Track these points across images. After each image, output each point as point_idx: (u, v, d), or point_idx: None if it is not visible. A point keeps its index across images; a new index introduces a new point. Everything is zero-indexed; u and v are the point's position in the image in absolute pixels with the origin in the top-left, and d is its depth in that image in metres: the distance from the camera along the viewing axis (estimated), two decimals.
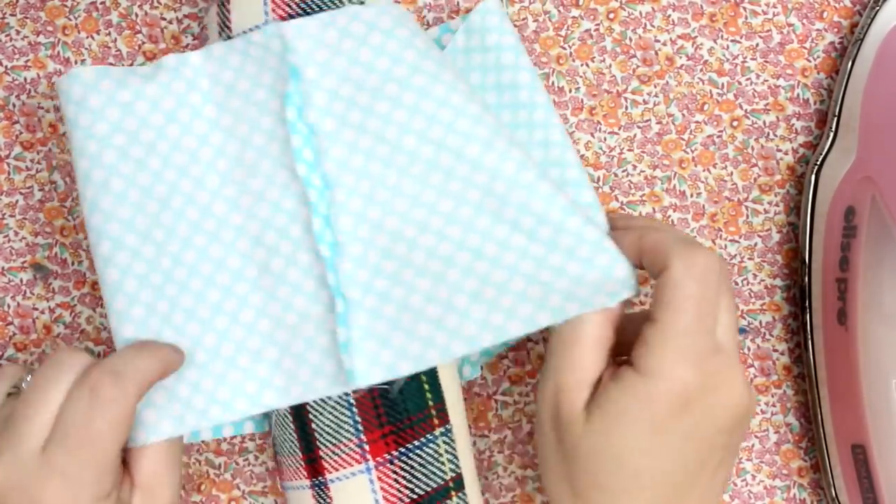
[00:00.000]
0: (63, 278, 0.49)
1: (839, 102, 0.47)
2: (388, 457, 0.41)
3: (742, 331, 0.48)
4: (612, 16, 0.49)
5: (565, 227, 0.40)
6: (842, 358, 0.45)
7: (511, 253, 0.41)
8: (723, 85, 0.49)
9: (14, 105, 0.49)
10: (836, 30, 0.48)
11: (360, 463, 0.41)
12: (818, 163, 0.47)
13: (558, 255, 0.40)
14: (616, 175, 0.48)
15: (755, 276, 0.48)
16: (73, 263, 0.49)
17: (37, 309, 0.49)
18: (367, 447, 0.41)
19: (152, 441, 0.41)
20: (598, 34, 0.49)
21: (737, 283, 0.48)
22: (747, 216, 0.48)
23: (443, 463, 0.42)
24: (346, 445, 0.41)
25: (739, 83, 0.49)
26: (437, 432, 0.42)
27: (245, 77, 0.42)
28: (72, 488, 0.36)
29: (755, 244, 0.48)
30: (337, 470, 0.41)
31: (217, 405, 0.42)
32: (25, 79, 0.49)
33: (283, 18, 0.42)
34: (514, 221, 0.41)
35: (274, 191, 0.42)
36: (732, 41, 0.49)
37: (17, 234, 0.49)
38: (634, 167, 0.49)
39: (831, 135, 0.47)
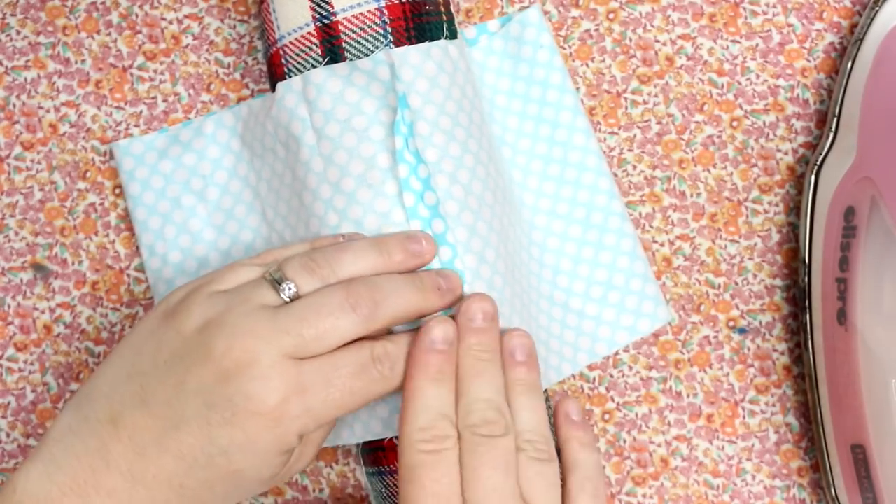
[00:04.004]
0: (63, 278, 0.49)
1: (839, 103, 0.47)
2: None
3: (742, 331, 0.48)
4: (612, 16, 0.49)
5: (619, 265, 0.47)
6: (841, 358, 0.45)
7: (587, 290, 0.47)
8: (723, 85, 0.49)
9: (14, 105, 0.49)
10: (835, 30, 0.48)
11: None
12: (818, 163, 0.47)
13: (616, 293, 0.46)
14: (616, 175, 0.48)
15: (755, 276, 0.48)
16: (73, 263, 0.49)
17: (37, 309, 0.49)
18: None
19: None
20: (598, 34, 0.49)
21: (737, 283, 0.48)
22: (747, 216, 0.48)
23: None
24: None
25: (739, 83, 0.49)
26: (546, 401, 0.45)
27: (344, 104, 0.42)
28: (298, 407, 0.37)
29: (755, 244, 0.48)
30: None
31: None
32: (26, 79, 0.49)
33: (400, 36, 0.42)
34: (594, 259, 0.47)
35: (373, 219, 0.42)
36: (732, 41, 0.49)
37: (17, 234, 0.49)
38: (634, 167, 0.49)
39: (831, 135, 0.47)
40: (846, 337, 0.45)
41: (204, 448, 0.37)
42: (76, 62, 0.49)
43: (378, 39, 0.42)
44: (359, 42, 0.42)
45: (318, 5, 0.42)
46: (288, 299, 0.39)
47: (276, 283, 0.39)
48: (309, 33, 0.43)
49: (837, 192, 0.45)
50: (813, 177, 0.47)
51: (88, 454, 0.37)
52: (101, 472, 0.37)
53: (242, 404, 0.36)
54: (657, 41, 0.49)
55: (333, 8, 0.42)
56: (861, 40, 0.46)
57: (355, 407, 0.38)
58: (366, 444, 0.44)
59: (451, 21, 0.44)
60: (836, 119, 0.47)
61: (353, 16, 0.42)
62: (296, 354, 0.37)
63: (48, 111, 0.49)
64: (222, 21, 0.49)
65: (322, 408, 0.37)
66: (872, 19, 0.46)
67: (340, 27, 0.42)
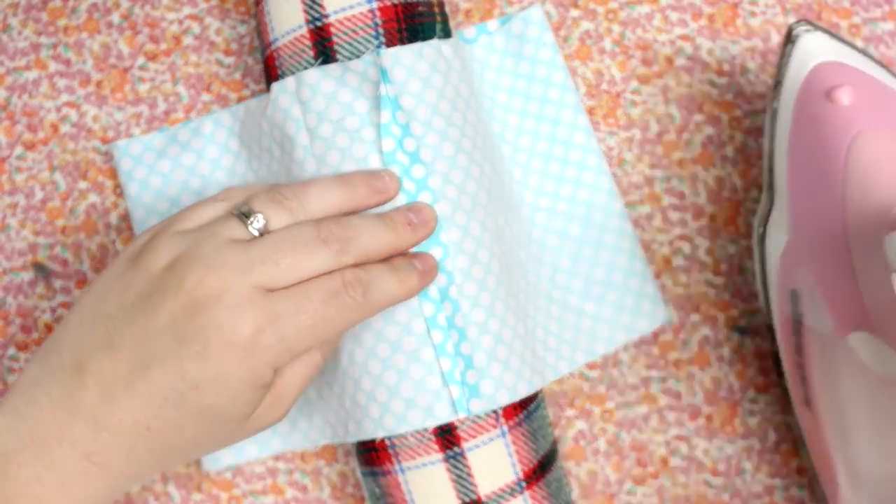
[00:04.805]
0: (64, 278, 0.49)
1: (769, 157, 0.39)
2: (516, 419, 0.43)
3: (742, 331, 0.48)
4: (611, 16, 0.49)
5: (617, 264, 0.47)
6: (814, 438, 0.42)
7: (585, 288, 0.47)
8: (722, 85, 0.49)
9: (16, 105, 0.49)
10: (834, 30, 0.49)
11: (495, 429, 0.42)
12: (761, 231, 0.40)
13: (615, 292, 0.46)
14: (616, 175, 0.49)
15: (755, 275, 0.48)
16: (74, 263, 0.49)
17: (38, 308, 0.49)
18: (499, 412, 0.42)
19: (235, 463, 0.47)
20: (598, 34, 0.49)
21: (736, 283, 0.48)
22: (747, 216, 0.49)
23: (548, 425, 0.46)
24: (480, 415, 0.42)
25: (738, 83, 0.49)
26: (539, 398, 0.45)
27: (337, 104, 0.42)
28: (271, 336, 0.37)
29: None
30: (474, 438, 0.42)
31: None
32: (27, 79, 0.49)
33: (392, 37, 0.42)
34: (594, 258, 0.47)
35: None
36: (731, 42, 0.49)
37: (18, 233, 0.49)
38: (634, 167, 0.49)
39: (772, 196, 0.40)
40: (814, 419, 0.41)
41: (174, 385, 0.36)
42: (77, 62, 0.49)
43: (369, 41, 0.42)
44: (350, 44, 0.42)
45: (311, 7, 0.42)
46: (257, 233, 0.39)
47: (245, 217, 0.39)
48: (302, 35, 0.43)
49: (781, 270, 0.40)
50: (757, 247, 0.41)
51: (52, 405, 0.37)
52: (65, 421, 0.37)
53: (215, 335, 0.36)
54: (656, 41, 0.49)
55: (325, 10, 0.42)
56: (780, 83, 0.39)
57: (330, 334, 0.38)
58: (360, 444, 0.44)
59: (444, 21, 0.44)
60: (771, 174, 0.40)
61: (346, 17, 0.42)
62: (268, 285, 0.37)
63: (49, 111, 0.49)
64: (223, 21, 0.49)
65: (295, 335, 0.37)
66: (786, 58, 0.39)
67: (332, 29, 0.42)
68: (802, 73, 0.37)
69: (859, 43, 0.48)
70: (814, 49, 0.38)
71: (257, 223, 0.39)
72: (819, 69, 0.37)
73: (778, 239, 0.39)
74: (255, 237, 0.38)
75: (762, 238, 0.40)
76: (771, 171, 0.39)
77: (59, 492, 0.37)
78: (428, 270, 0.41)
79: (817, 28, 0.38)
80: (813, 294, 0.36)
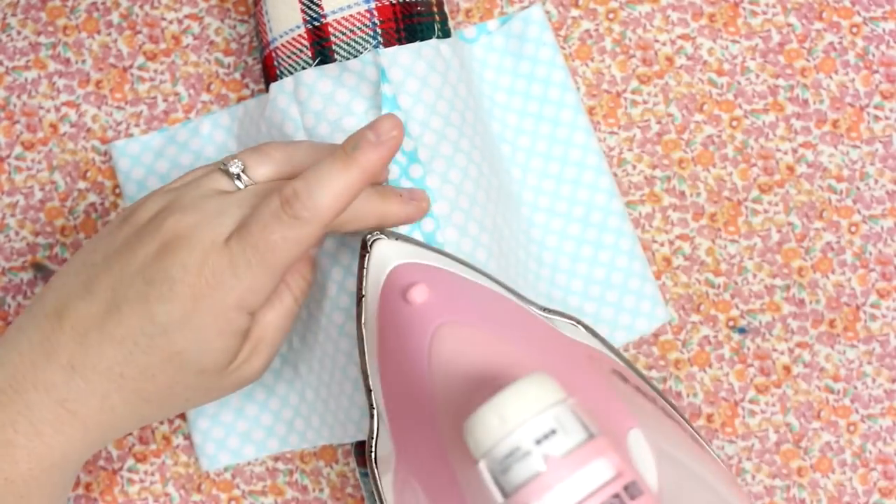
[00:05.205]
0: None
1: (366, 378, 0.38)
2: None
3: (742, 330, 0.48)
4: (611, 16, 0.49)
5: (617, 264, 0.46)
6: None
7: (585, 289, 0.47)
8: (722, 85, 0.49)
9: (15, 105, 0.49)
10: (835, 30, 0.49)
11: None
12: (372, 449, 0.38)
13: (615, 292, 0.46)
14: (616, 175, 0.48)
15: (755, 275, 0.48)
16: None
17: None
18: None
19: (219, 467, 0.47)
20: (598, 34, 0.49)
21: (736, 283, 0.48)
22: (747, 216, 0.48)
23: None
24: None
25: (739, 83, 0.49)
26: None
27: (335, 104, 0.42)
28: (232, 276, 0.36)
29: (755, 244, 0.48)
30: None
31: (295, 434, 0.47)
32: (26, 79, 0.49)
33: (390, 37, 0.42)
34: (594, 257, 0.47)
35: None
36: (732, 41, 0.49)
37: (17, 233, 0.49)
38: (634, 167, 0.49)
39: (375, 414, 0.38)
40: None
41: (144, 328, 0.37)
42: (76, 62, 0.49)
43: (367, 41, 0.42)
44: (348, 44, 0.42)
45: (309, 7, 0.42)
46: (241, 185, 0.39)
47: (227, 168, 0.39)
48: (300, 35, 0.43)
49: (396, 495, 0.38)
50: (375, 467, 0.38)
51: (31, 349, 0.37)
52: (42, 366, 0.37)
53: (179, 276, 0.36)
54: (657, 41, 0.49)
55: (323, 10, 0.42)
56: (363, 297, 0.38)
57: (283, 262, 0.37)
58: (358, 444, 0.44)
59: (443, 21, 0.44)
60: (371, 395, 0.38)
61: (343, 17, 0.42)
62: (233, 229, 0.37)
63: (49, 111, 0.49)
64: (222, 21, 0.49)
65: (251, 275, 0.36)
66: (365, 269, 0.38)
67: (330, 29, 0.42)
68: (380, 280, 0.37)
69: (859, 42, 0.48)
70: (386, 254, 0.38)
71: (235, 168, 0.39)
72: (393, 273, 0.37)
73: (389, 463, 0.38)
74: (239, 189, 0.39)
75: (374, 462, 0.38)
76: (370, 391, 0.38)
77: (34, 439, 0.37)
78: (384, 140, 0.37)
79: (390, 235, 0.39)
80: None
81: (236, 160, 0.39)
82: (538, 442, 0.27)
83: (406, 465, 0.37)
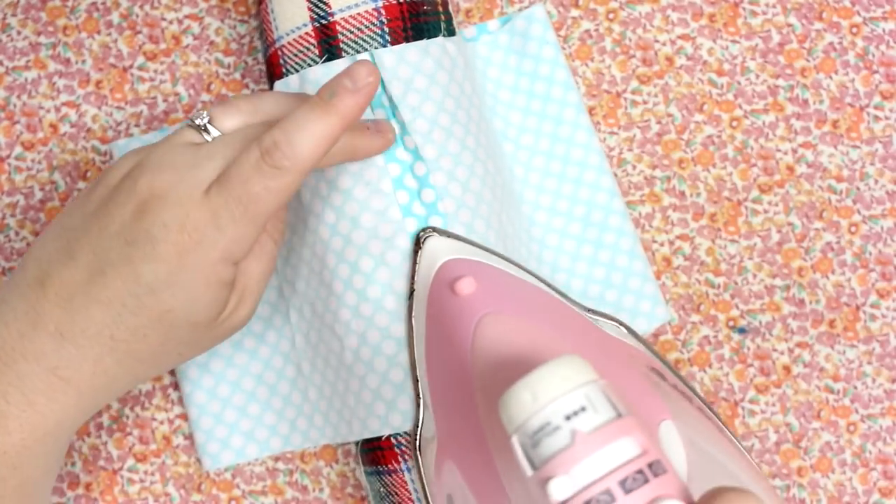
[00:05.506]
0: None
1: (413, 369, 0.40)
2: None
3: (742, 330, 0.48)
4: (611, 16, 0.49)
5: (617, 263, 0.46)
6: None
7: (584, 288, 0.46)
8: (722, 85, 0.49)
9: (15, 105, 0.49)
10: (835, 30, 0.49)
11: None
12: (417, 438, 0.40)
13: (614, 291, 0.46)
14: (616, 175, 0.49)
15: (755, 275, 0.48)
16: None
17: None
18: None
19: (222, 466, 0.47)
20: (598, 34, 0.49)
21: (736, 283, 0.48)
22: (747, 216, 0.49)
23: None
24: None
25: (739, 83, 0.49)
26: None
27: None
28: (215, 230, 0.36)
29: (755, 244, 0.49)
30: None
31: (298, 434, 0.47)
32: (26, 79, 0.49)
33: (397, 36, 0.42)
34: (593, 257, 0.46)
35: (369, 216, 0.42)
36: (732, 41, 0.49)
37: (17, 233, 0.49)
38: (634, 167, 0.49)
39: (421, 404, 0.40)
40: None
41: (130, 290, 0.36)
42: (76, 62, 0.49)
43: (375, 39, 0.42)
44: (356, 42, 0.42)
45: (316, 6, 0.42)
46: (209, 138, 0.39)
47: (194, 122, 0.39)
48: (307, 33, 0.43)
49: (435, 474, 0.40)
50: (419, 455, 0.41)
51: (17, 319, 0.37)
52: (29, 336, 0.37)
53: (161, 235, 0.36)
54: (657, 41, 0.49)
55: (331, 8, 0.42)
56: (413, 291, 0.40)
57: (266, 212, 0.37)
58: (364, 443, 0.44)
59: (449, 20, 0.44)
60: (418, 385, 0.40)
61: (351, 16, 0.42)
62: (211, 182, 0.37)
63: (49, 111, 0.49)
64: (222, 21, 0.49)
65: (235, 228, 0.37)
66: (417, 264, 0.40)
67: (338, 27, 0.42)
68: (431, 274, 0.39)
69: (859, 42, 0.49)
70: (438, 250, 0.40)
71: (201, 120, 0.39)
72: (443, 267, 0.39)
73: (431, 447, 0.39)
74: (207, 142, 0.39)
75: (419, 448, 0.40)
76: (417, 381, 0.40)
77: (26, 409, 0.37)
78: (361, 87, 0.37)
79: (442, 233, 0.40)
80: (464, 494, 0.37)
81: (202, 112, 0.39)
82: (568, 418, 0.28)
83: (447, 449, 0.38)
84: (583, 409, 0.28)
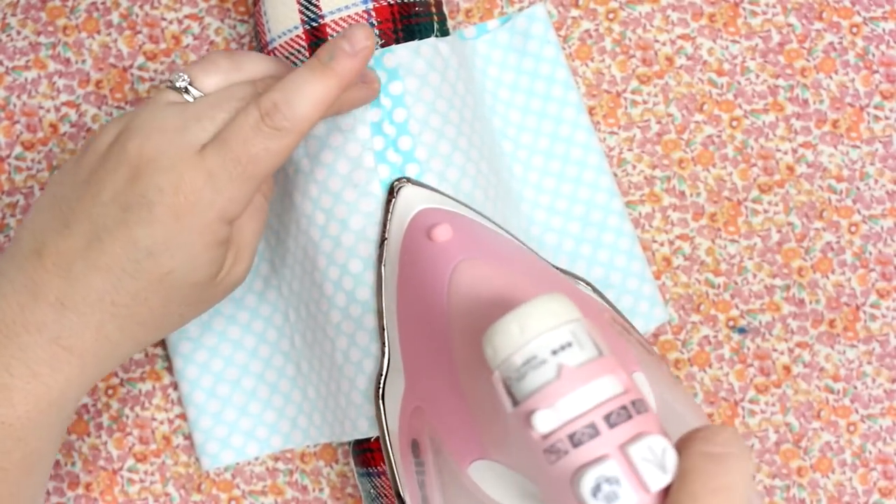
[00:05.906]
0: None
1: (380, 317, 0.41)
2: None
3: (742, 330, 0.48)
4: (611, 16, 0.49)
5: (616, 264, 0.46)
6: None
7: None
8: (722, 85, 0.49)
9: (15, 105, 0.49)
10: (835, 30, 0.49)
11: None
12: (381, 387, 0.41)
13: (612, 291, 0.46)
14: (616, 175, 0.49)
15: (755, 275, 0.48)
16: None
17: None
18: None
19: (219, 465, 0.47)
20: (598, 34, 0.49)
21: (736, 283, 0.48)
22: (747, 216, 0.49)
23: None
24: None
25: (739, 83, 0.49)
26: None
27: None
28: (212, 191, 0.37)
29: (755, 244, 0.49)
30: None
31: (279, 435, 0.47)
32: (26, 79, 0.49)
33: (388, 38, 0.42)
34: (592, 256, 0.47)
35: (358, 219, 0.42)
36: (732, 41, 0.49)
37: None
38: (634, 167, 0.49)
39: (387, 352, 0.41)
40: None
41: (129, 254, 0.37)
42: (76, 62, 0.49)
43: None
44: None
45: (307, 8, 0.42)
46: (191, 99, 0.39)
47: (175, 83, 0.39)
48: (298, 36, 0.43)
49: (401, 422, 0.40)
50: (380, 403, 0.41)
51: (15, 292, 0.37)
52: (30, 307, 0.37)
53: (157, 198, 0.36)
54: (657, 41, 0.49)
55: (321, 11, 0.42)
56: (385, 239, 0.41)
57: (270, 171, 0.37)
58: (356, 444, 0.44)
59: (442, 21, 0.44)
60: (384, 333, 0.41)
61: (341, 18, 0.42)
62: (206, 142, 0.37)
63: (49, 111, 0.49)
64: (222, 21, 0.49)
65: (232, 188, 0.37)
66: (390, 213, 0.41)
67: (328, 29, 0.42)
68: (405, 221, 0.40)
69: (859, 42, 0.49)
70: (412, 198, 0.40)
71: (182, 82, 0.39)
72: (419, 215, 0.40)
73: (395, 393, 0.40)
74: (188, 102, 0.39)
75: (381, 396, 0.40)
76: (383, 329, 0.41)
77: (31, 380, 0.37)
78: (359, 50, 0.37)
79: (417, 183, 0.41)
80: (433, 437, 0.37)
81: (181, 73, 0.39)
82: (554, 352, 0.28)
83: (415, 394, 0.38)
84: (569, 344, 0.28)
